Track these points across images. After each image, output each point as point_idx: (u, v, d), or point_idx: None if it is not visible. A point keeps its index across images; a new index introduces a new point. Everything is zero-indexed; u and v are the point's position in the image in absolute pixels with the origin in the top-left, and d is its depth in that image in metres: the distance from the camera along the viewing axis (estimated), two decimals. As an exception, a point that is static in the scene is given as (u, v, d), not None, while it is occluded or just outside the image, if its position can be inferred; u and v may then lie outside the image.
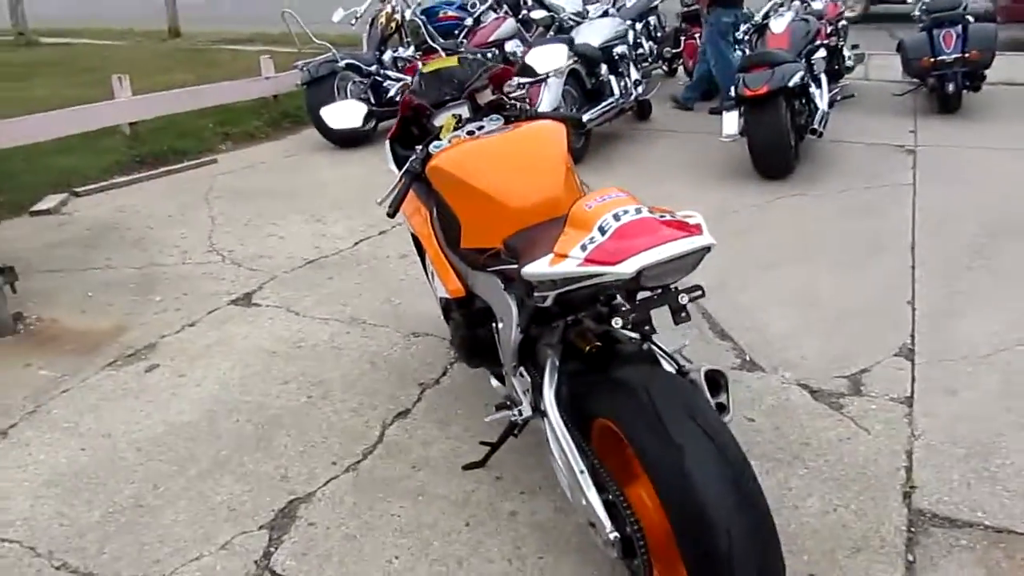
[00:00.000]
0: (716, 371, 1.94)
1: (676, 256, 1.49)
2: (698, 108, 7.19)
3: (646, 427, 1.61)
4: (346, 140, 6.41)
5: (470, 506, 2.36)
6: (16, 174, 5.76)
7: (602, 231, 1.57)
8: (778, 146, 5.03)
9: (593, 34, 6.18)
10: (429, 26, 6.29)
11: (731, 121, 5.13)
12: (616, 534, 1.71)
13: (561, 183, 2.12)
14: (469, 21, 7.32)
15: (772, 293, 3.62)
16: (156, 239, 4.68)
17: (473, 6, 7.43)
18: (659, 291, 1.66)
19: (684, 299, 1.65)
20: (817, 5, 6.30)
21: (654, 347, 1.96)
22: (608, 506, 1.75)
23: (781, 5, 5.99)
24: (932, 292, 3.52)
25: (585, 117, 5.55)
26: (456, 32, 7.22)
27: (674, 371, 1.93)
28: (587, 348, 1.95)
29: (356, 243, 4.48)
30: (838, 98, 5.99)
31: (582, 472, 1.79)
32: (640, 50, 7.07)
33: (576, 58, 5.77)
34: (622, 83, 6.28)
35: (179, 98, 6.96)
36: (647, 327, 1.90)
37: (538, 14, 6.53)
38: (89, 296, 3.90)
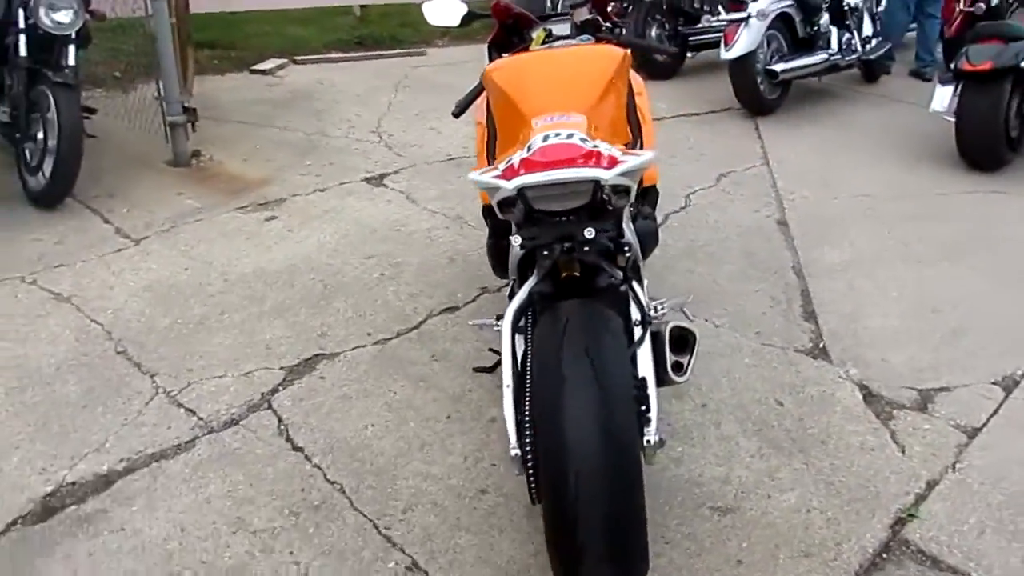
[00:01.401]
0: (686, 329, 1.88)
1: (555, 181, 1.45)
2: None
3: (546, 351, 1.61)
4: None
5: (461, 403, 2.47)
6: (255, 36, 6.52)
7: (529, 149, 1.55)
8: (990, 133, 4.33)
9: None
10: None
11: (943, 96, 4.49)
12: (517, 451, 1.73)
13: (591, 106, 2.06)
14: None
15: (897, 288, 3.25)
16: (335, 112, 5.12)
17: None
18: (561, 217, 1.61)
19: (590, 232, 1.59)
20: None
21: (632, 290, 1.91)
22: (520, 425, 1.78)
23: None
24: (1093, 328, 2.97)
25: (778, 67, 5.13)
26: None
27: (638, 318, 1.87)
28: (563, 274, 1.94)
29: (501, 150, 4.59)
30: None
31: (507, 387, 1.82)
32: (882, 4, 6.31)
33: (790, 1, 5.30)
34: (845, 37, 5.68)
35: (405, -13, 7.35)
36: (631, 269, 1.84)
37: None
38: (256, 148, 4.41)
